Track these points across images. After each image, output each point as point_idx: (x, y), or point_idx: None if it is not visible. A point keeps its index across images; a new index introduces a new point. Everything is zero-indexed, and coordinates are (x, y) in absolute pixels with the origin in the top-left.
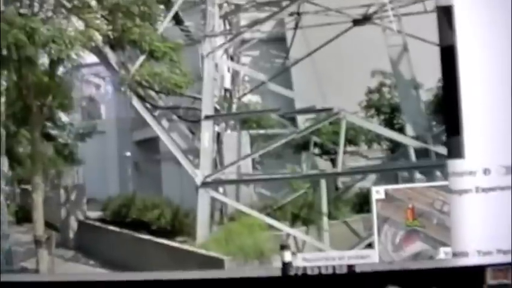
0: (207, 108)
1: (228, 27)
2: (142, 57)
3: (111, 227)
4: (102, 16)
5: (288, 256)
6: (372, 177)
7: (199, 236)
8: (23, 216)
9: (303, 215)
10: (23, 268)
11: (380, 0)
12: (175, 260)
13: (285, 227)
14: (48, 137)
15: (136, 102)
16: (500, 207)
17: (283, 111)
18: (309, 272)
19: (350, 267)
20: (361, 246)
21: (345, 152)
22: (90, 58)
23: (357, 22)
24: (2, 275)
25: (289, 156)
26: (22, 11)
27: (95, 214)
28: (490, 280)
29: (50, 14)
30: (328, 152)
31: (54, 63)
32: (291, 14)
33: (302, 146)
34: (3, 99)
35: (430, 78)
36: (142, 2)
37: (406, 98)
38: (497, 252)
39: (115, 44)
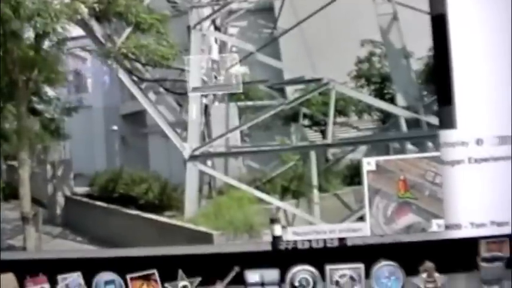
0: (194, 80)
1: None
2: (128, 30)
3: (99, 203)
4: None
5: (278, 230)
6: (363, 148)
7: (187, 210)
8: (10, 192)
9: (292, 188)
10: (10, 246)
11: None
12: (164, 235)
13: (274, 200)
14: (35, 112)
15: (122, 75)
16: (493, 178)
17: (271, 82)
18: (300, 246)
19: (341, 240)
20: (352, 219)
21: (334, 123)
22: (76, 31)
23: None
24: None
25: (278, 128)
26: None
27: (82, 189)
28: (483, 253)
29: None
30: (317, 123)
31: (39, 37)
32: None
33: (291, 117)
34: None
35: (421, 47)
36: None
37: (396, 68)
38: (491, 224)
39: (101, 17)
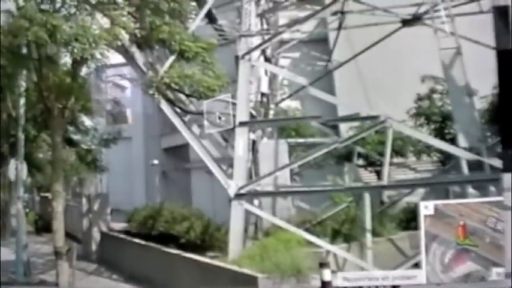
0: (241, 114)
1: (265, 26)
2: (172, 58)
3: (137, 240)
4: (129, 13)
5: (327, 275)
6: (421, 191)
7: (231, 251)
8: (43, 225)
9: (344, 231)
10: (41, 281)
11: None
12: (206, 277)
13: (324, 244)
14: (70, 142)
15: (165, 106)
16: None
17: (324, 118)
18: None
19: None
20: (407, 266)
21: (391, 164)
22: (116, 58)
23: (406, 22)
24: None
25: (330, 167)
26: (43, 6)
27: (119, 225)
28: None
29: (73, 10)
30: (373, 164)
31: (77, 63)
32: (334, 13)
33: (345, 156)
34: (22, 101)
35: (485, 85)
36: None
37: (458, 106)
38: None
39: (142, 43)
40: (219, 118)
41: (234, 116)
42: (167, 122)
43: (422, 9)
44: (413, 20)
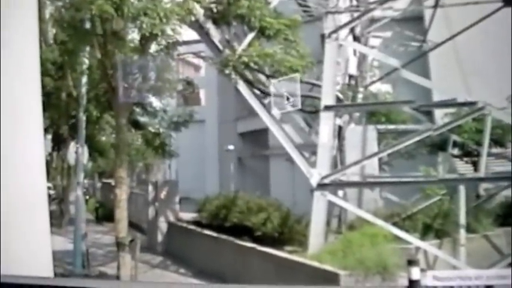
0: (327, 97)
1: (354, 2)
2: (251, 35)
3: (207, 232)
4: None
5: (416, 273)
6: None
7: (312, 245)
8: (104, 214)
9: (436, 226)
10: (101, 273)
11: None
12: (283, 273)
13: (414, 239)
14: (136, 125)
15: (242, 87)
16: None
17: (417, 103)
18: None
19: None
20: (502, 265)
21: (489, 154)
22: (189, 35)
23: (507, 2)
24: (76, 280)
25: (423, 156)
26: None
27: (188, 215)
28: None
29: None
30: (469, 154)
31: (145, 39)
32: None
33: (439, 145)
34: (85, 80)
35: None
36: None
37: None
38: None
39: (219, 19)
40: (287, 99)
41: (317, 98)
42: (244, 105)
43: None
44: None
